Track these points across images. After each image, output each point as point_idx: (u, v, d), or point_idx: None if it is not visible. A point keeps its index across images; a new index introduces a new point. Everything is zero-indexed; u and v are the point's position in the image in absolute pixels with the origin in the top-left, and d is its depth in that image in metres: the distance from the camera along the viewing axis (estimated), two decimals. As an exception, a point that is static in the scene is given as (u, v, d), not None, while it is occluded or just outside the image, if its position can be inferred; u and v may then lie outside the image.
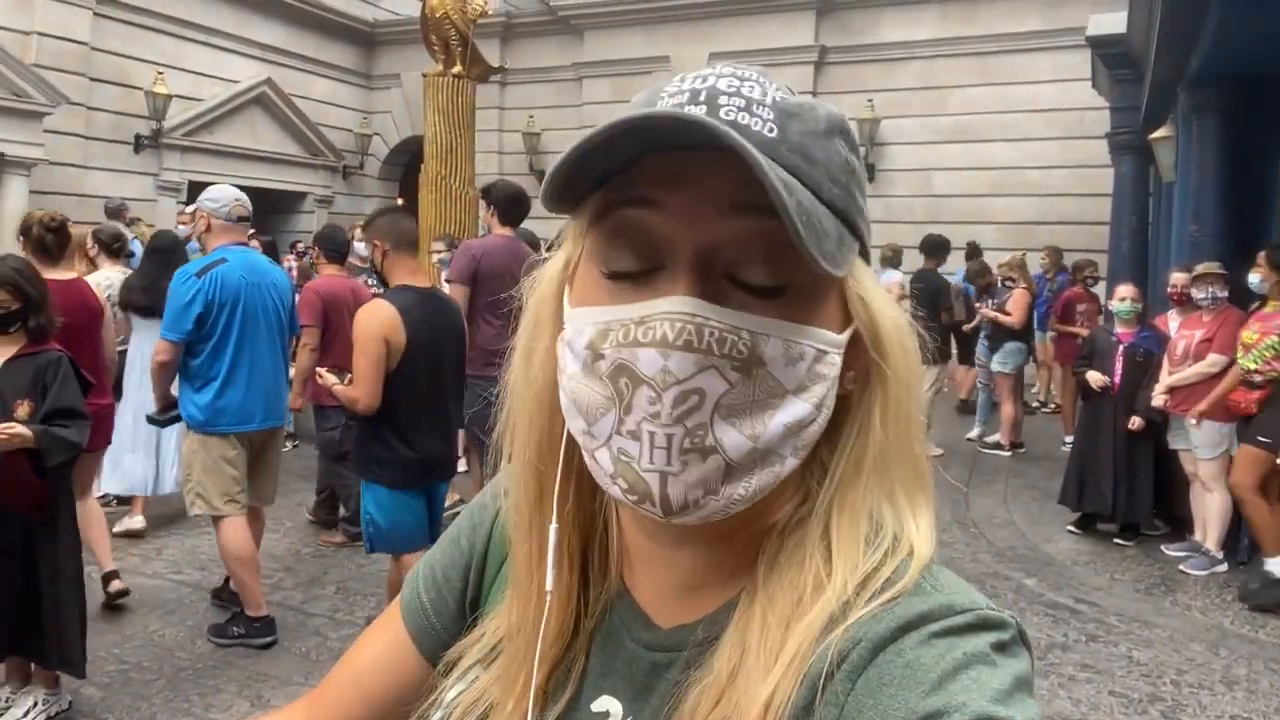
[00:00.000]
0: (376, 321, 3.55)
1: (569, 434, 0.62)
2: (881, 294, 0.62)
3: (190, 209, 4.69)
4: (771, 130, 0.56)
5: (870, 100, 13.77)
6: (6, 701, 3.51)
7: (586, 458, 0.59)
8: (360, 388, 3.56)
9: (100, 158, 12.79)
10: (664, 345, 0.54)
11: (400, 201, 17.94)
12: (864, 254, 0.62)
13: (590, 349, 0.57)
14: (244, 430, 4.12)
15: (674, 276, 0.56)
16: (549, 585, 0.64)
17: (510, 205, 5.27)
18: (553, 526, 0.64)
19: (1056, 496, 6.40)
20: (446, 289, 5.34)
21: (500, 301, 5.50)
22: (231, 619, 4.26)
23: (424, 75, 9.35)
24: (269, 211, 15.52)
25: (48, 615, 3.31)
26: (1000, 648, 0.54)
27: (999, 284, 8.66)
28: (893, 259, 9.35)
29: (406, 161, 17.29)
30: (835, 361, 0.58)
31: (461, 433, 6.51)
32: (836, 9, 14.27)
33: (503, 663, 0.68)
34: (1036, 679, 3.18)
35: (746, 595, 0.59)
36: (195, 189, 13.78)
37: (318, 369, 4.05)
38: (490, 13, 10.50)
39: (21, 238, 4.65)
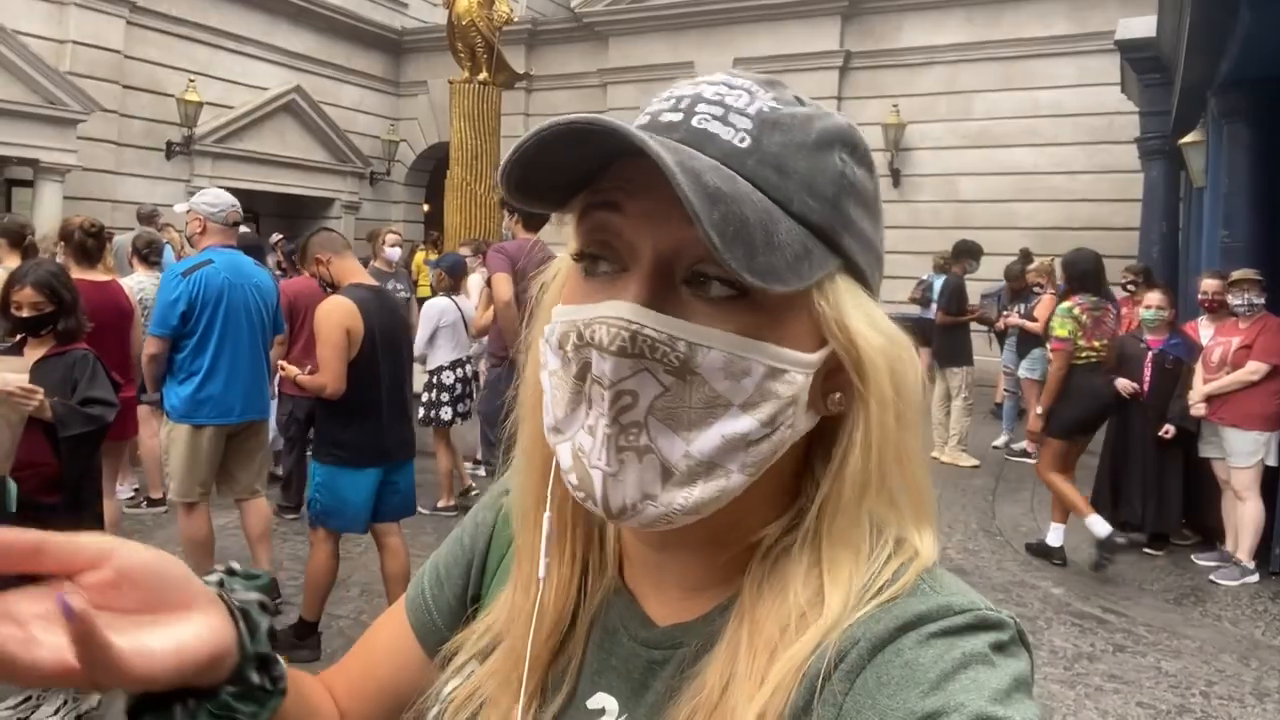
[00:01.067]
0: (337, 314, 3.84)
1: None
2: (866, 317, 0.59)
3: (183, 208, 4.76)
4: (743, 140, 0.56)
5: (895, 105, 13.72)
6: (37, 700, 3.57)
7: (555, 451, 0.61)
8: (326, 374, 3.82)
9: (132, 164, 13.01)
10: (601, 349, 0.55)
11: (426, 208, 18.10)
12: (858, 274, 0.60)
13: (560, 347, 0.59)
14: (223, 423, 4.34)
15: (629, 280, 0.56)
16: (541, 572, 0.65)
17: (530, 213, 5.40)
18: (547, 515, 0.65)
19: (1084, 505, 6.32)
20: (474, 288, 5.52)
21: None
22: None
23: (450, 82, 9.43)
24: (297, 217, 15.70)
25: None
26: (999, 648, 0.54)
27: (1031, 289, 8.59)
28: (944, 266, 9.30)
29: (433, 168, 17.44)
30: (795, 380, 0.56)
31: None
32: (861, 14, 14.23)
33: (498, 657, 0.68)
34: (1063, 689, 3.13)
35: (736, 616, 0.59)
36: (225, 195, 13.99)
37: (280, 363, 4.31)
38: (515, 20, 10.56)
39: (62, 242, 4.85)
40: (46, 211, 10.91)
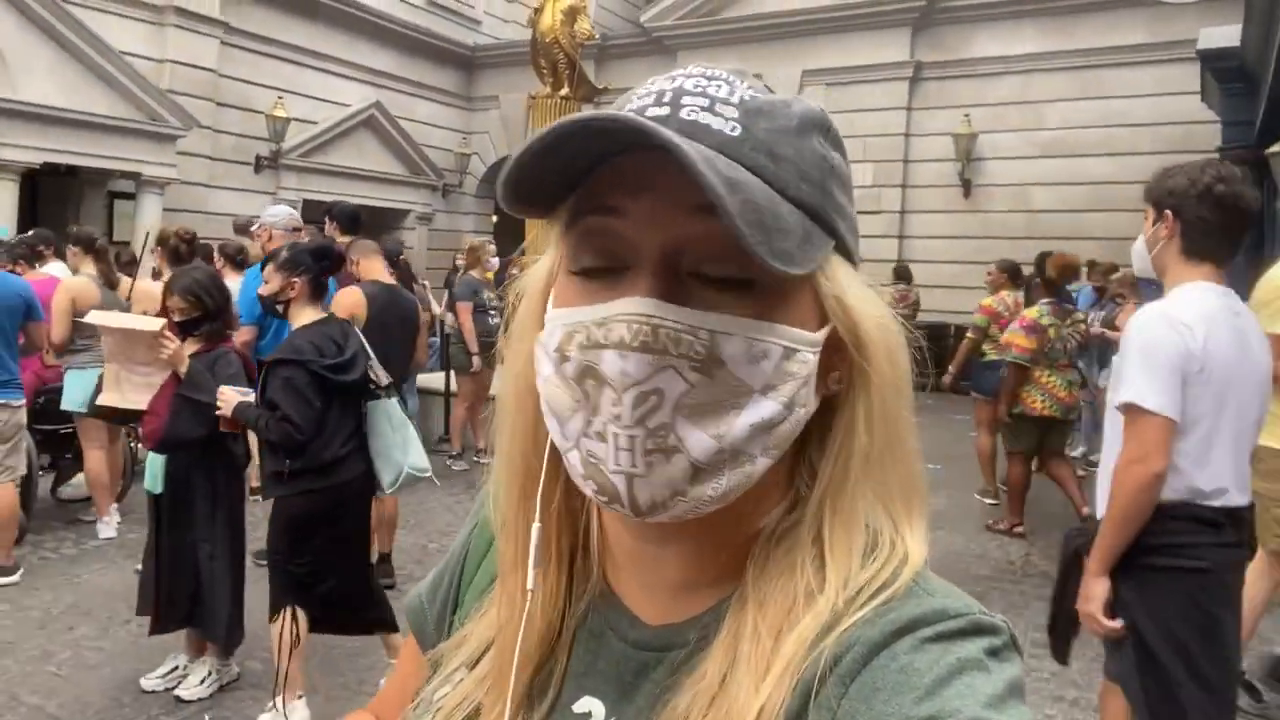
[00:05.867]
0: (349, 300, 4.69)
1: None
2: (864, 294, 0.60)
3: (255, 226, 5.80)
4: (734, 129, 0.56)
5: (966, 115, 13.70)
6: (185, 670, 3.86)
7: (564, 459, 0.60)
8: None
9: (224, 177, 13.59)
10: (621, 346, 0.53)
11: (495, 219, 18.51)
12: (846, 253, 0.61)
13: (559, 351, 0.57)
14: None
15: (636, 277, 0.56)
16: (530, 584, 0.64)
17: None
18: (535, 527, 0.64)
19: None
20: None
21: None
22: None
23: (532, 97, 9.70)
24: (374, 228, 16.11)
25: (206, 590, 3.68)
26: (993, 653, 0.54)
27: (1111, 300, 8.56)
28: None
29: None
30: (807, 359, 0.57)
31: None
32: (932, 25, 14.24)
33: (487, 664, 0.67)
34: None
35: (737, 600, 0.59)
36: (310, 207, 14.46)
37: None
38: (595, 37, 10.85)
39: (159, 247, 5.60)
40: (147, 222, 11.43)
